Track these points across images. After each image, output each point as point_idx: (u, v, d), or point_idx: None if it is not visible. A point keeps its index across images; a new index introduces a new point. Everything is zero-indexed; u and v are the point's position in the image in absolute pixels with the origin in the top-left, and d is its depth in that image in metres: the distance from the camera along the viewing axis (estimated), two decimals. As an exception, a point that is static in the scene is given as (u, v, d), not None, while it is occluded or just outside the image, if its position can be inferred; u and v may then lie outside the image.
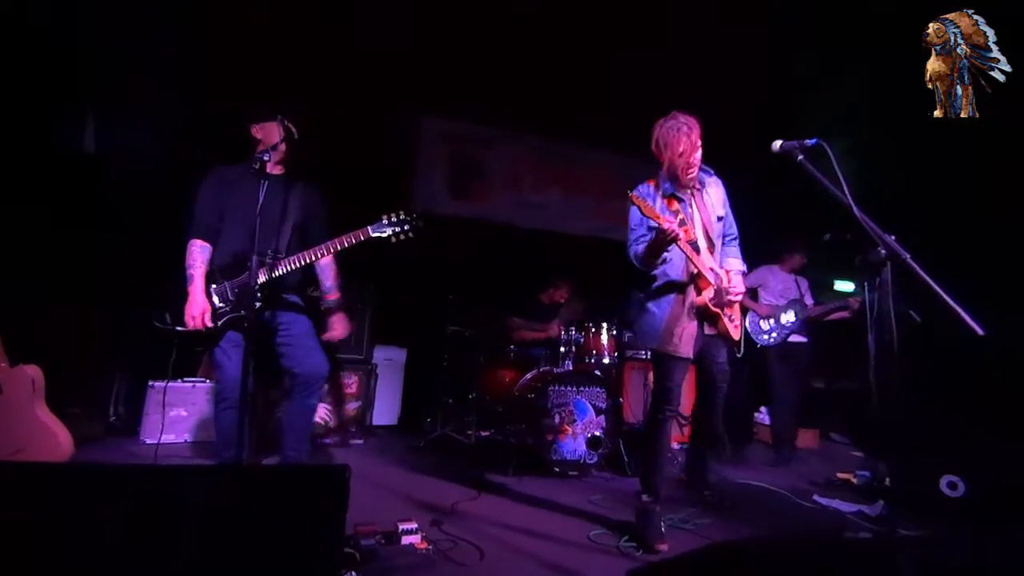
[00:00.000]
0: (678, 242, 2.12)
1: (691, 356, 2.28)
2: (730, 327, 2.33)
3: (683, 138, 2.21)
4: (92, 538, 1.14)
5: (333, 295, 2.48)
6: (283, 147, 2.25)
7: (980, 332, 1.54)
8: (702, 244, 2.32)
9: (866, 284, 3.38)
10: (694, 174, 2.30)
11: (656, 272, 2.35)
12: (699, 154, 2.26)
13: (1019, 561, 1.15)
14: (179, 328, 2.19)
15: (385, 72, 4.41)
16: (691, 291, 2.29)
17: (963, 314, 1.57)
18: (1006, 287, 3.72)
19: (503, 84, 4.63)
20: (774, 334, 3.91)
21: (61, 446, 2.42)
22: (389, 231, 2.23)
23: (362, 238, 2.23)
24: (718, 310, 2.28)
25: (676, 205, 2.30)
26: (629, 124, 5.13)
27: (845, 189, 1.80)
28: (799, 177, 1.95)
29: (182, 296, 2.19)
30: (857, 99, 4.17)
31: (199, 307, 2.16)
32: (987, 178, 3.89)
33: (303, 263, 2.25)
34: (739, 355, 2.45)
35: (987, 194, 3.91)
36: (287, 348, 2.31)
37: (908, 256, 1.70)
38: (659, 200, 2.30)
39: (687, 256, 2.23)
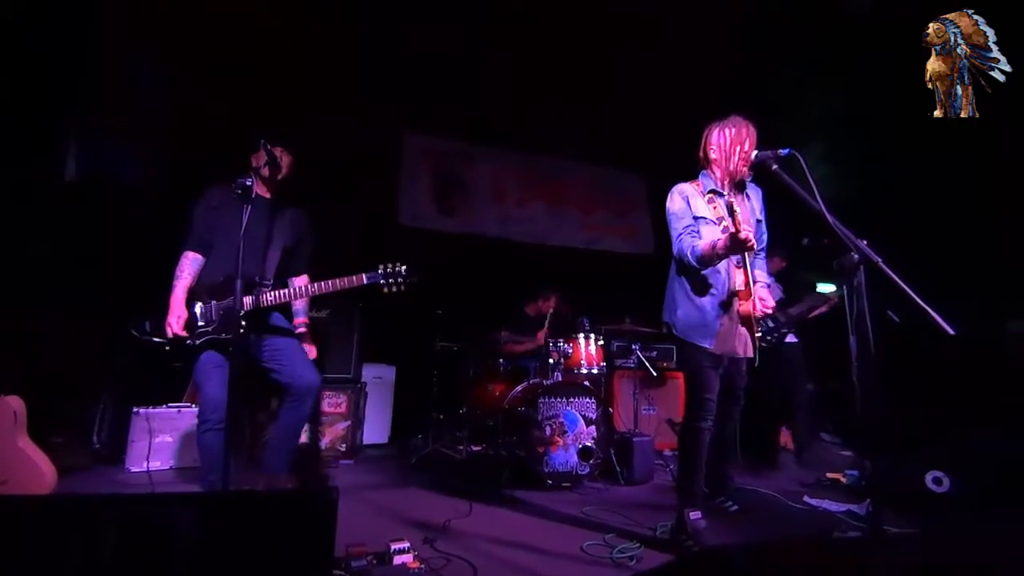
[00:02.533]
0: (751, 250, 2.05)
1: (722, 355, 2.27)
2: (754, 338, 2.32)
3: (743, 129, 2.25)
4: (78, 571, 1.13)
5: (302, 319, 2.52)
6: (266, 171, 2.27)
7: (950, 332, 1.59)
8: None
9: (844, 287, 3.47)
10: (746, 169, 2.27)
11: (683, 283, 2.33)
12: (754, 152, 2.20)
13: (1005, 557, 1.18)
14: (156, 339, 2.20)
15: (368, 89, 4.46)
16: (736, 299, 2.27)
17: (933, 315, 1.62)
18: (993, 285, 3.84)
19: (484, 100, 4.69)
20: (773, 334, 3.88)
21: (45, 477, 2.38)
22: (383, 281, 2.27)
23: (355, 284, 2.26)
24: (752, 320, 2.27)
25: (718, 203, 2.27)
26: (611, 138, 5.28)
27: (817, 196, 1.86)
28: (777, 184, 2.02)
29: (165, 308, 2.21)
30: (839, 104, 4.26)
31: (174, 313, 2.18)
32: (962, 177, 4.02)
33: (290, 299, 2.30)
34: (755, 364, 2.47)
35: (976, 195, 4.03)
36: (277, 364, 2.32)
37: (880, 260, 1.75)
38: (700, 199, 2.30)
39: (744, 267, 2.18)
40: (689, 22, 3.79)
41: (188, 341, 2.18)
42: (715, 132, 2.33)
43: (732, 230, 2.02)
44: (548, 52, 4.14)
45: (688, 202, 2.30)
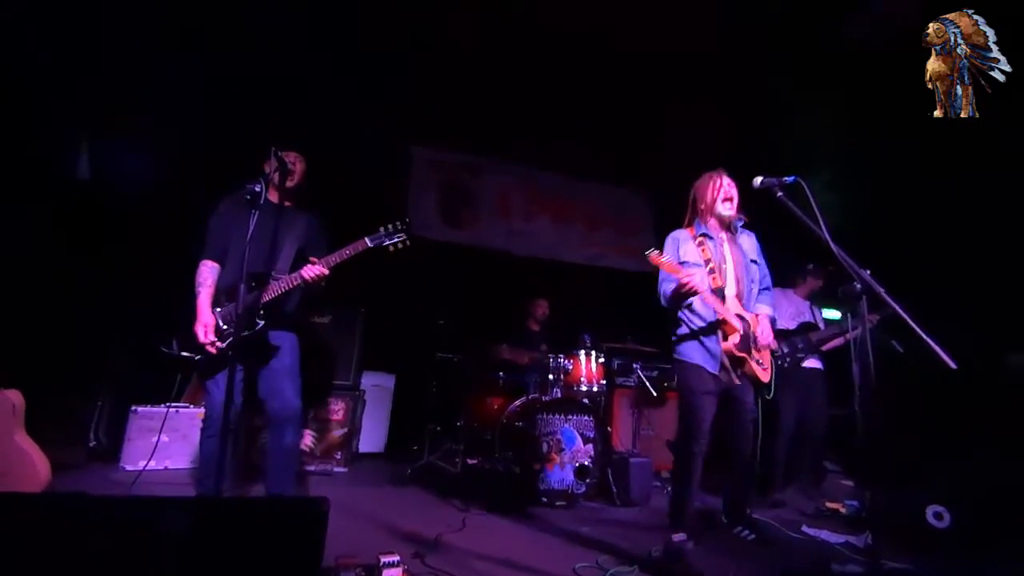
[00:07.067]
0: (700, 295, 2.32)
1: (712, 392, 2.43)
2: (758, 371, 2.46)
3: (715, 179, 2.56)
4: (66, 571, 1.13)
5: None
6: (276, 177, 2.29)
7: (952, 366, 1.57)
8: (731, 289, 2.49)
9: (848, 315, 3.43)
10: (731, 212, 2.52)
11: (681, 316, 2.53)
12: (735, 194, 2.52)
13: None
14: (184, 354, 2.21)
15: (378, 102, 4.51)
16: (718, 335, 2.44)
17: (936, 348, 1.60)
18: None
19: (492, 114, 4.73)
20: (787, 358, 3.77)
21: (39, 473, 2.37)
22: (387, 241, 2.27)
23: (359, 249, 2.26)
24: (743, 354, 2.42)
25: (707, 245, 2.51)
26: (616, 155, 5.31)
27: (822, 224, 1.86)
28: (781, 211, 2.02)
29: (188, 323, 2.22)
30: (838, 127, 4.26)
31: (201, 321, 2.20)
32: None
33: (300, 283, 2.26)
34: (768, 396, 2.53)
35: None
36: (264, 380, 2.32)
37: (883, 291, 1.74)
38: (691, 243, 2.53)
39: (712, 304, 2.41)
40: (698, 46, 3.81)
41: (217, 345, 2.19)
42: (698, 187, 2.62)
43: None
44: (554, 72, 4.16)
45: (678, 246, 2.55)
